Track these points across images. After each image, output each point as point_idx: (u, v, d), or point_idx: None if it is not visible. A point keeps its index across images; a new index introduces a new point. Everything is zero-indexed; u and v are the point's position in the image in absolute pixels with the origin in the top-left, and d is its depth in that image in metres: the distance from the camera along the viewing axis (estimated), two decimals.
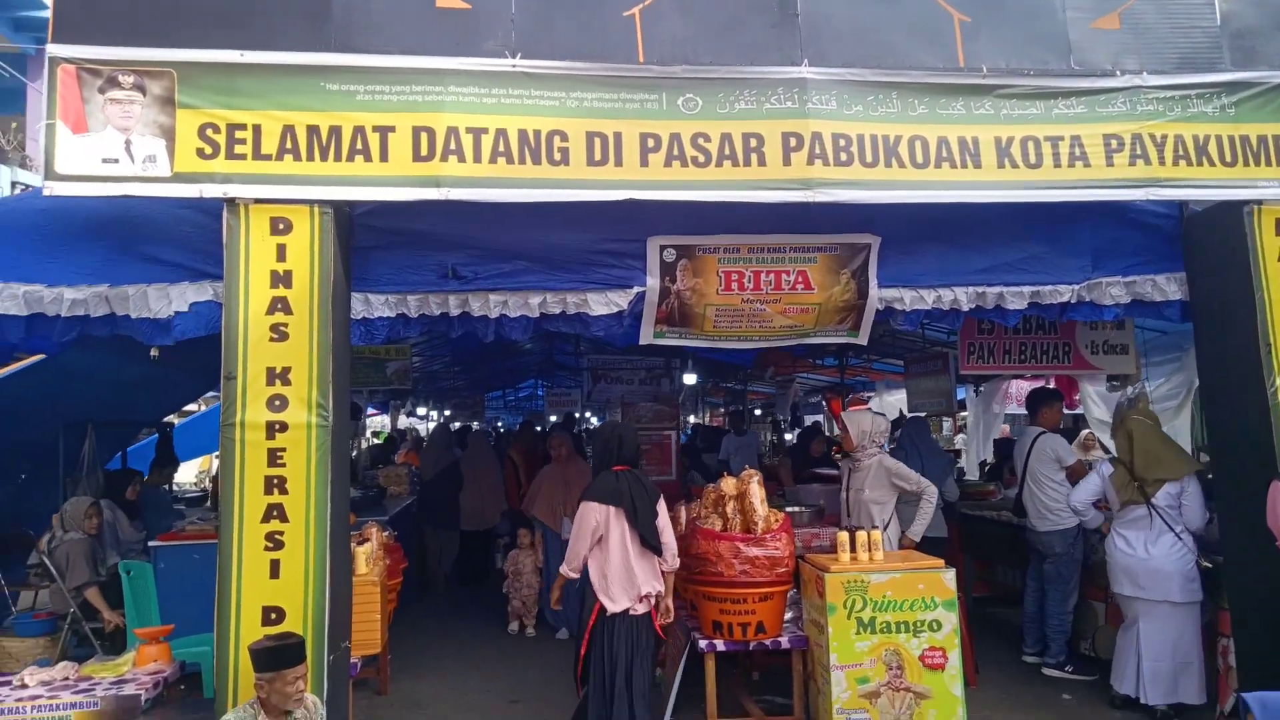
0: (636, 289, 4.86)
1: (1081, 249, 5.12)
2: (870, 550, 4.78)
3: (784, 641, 4.95)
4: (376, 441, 18.03)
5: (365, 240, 4.71)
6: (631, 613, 4.51)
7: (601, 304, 4.84)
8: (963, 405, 14.14)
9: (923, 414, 11.52)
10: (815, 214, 4.88)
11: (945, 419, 14.76)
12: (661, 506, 4.67)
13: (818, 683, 4.76)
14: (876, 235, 5.01)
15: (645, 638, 4.55)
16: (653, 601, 4.57)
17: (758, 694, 5.54)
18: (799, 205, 4.61)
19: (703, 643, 4.93)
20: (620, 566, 4.52)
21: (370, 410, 17.10)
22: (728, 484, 4.99)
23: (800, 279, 4.96)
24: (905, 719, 4.55)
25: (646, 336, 5.06)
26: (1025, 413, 14.72)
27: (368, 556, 4.94)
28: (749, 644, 4.92)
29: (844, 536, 4.80)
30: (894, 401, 14.73)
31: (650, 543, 4.55)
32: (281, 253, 4.26)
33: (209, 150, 4.19)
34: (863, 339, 5.25)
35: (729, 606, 4.87)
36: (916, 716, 4.55)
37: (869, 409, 5.94)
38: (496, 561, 8.63)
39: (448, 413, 19.07)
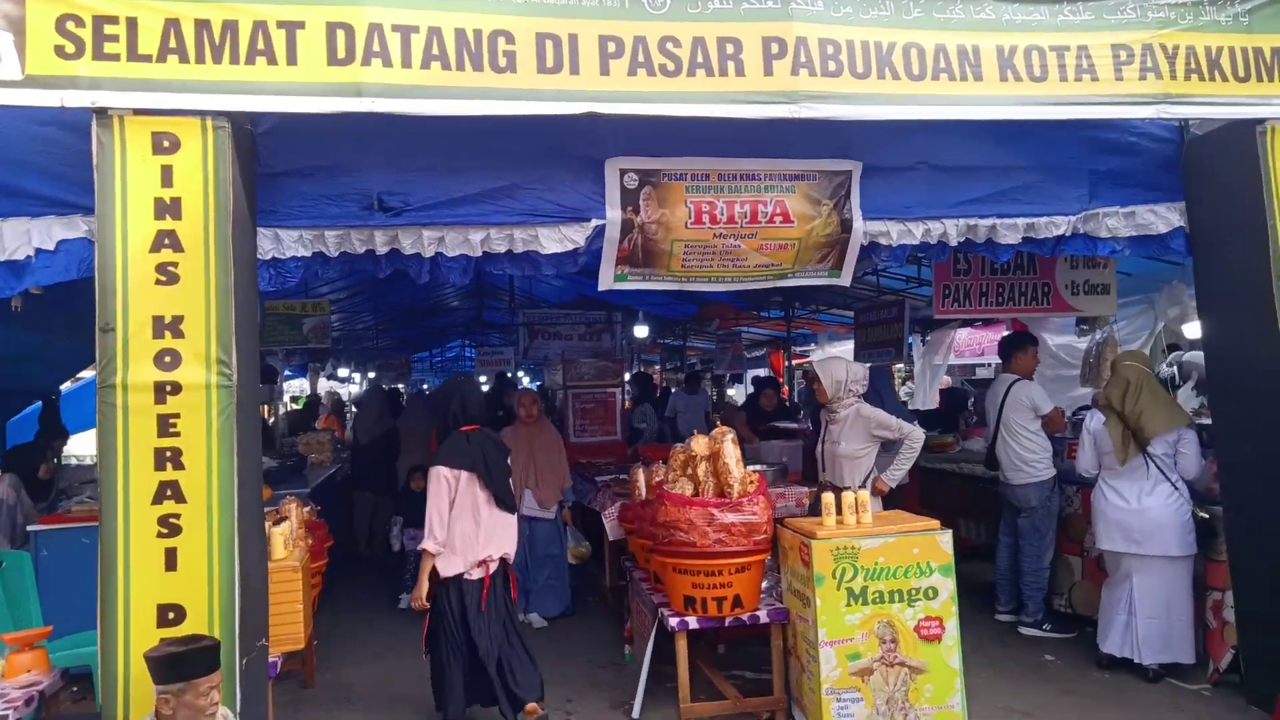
0: (595, 222, 4.23)
1: (1078, 177, 4.68)
2: (858, 512, 4.31)
3: (763, 615, 4.47)
4: (295, 407, 17.06)
5: (272, 164, 3.98)
6: (467, 577, 4.43)
7: (554, 240, 4.21)
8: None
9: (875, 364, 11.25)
10: (789, 136, 4.34)
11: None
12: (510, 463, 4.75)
13: (800, 659, 4.30)
14: (857, 161, 4.48)
15: (498, 604, 4.50)
16: (494, 565, 4.48)
17: (726, 669, 5.07)
18: (771, 126, 4.08)
19: (673, 620, 4.42)
20: (468, 531, 4.45)
21: (287, 373, 16.09)
22: (699, 443, 4.45)
23: (778, 210, 4.40)
24: (900, 696, 4.12)
25: (606, 280, 4.45)
26: (964, 363, 14.64)
27: (286, 538, 4.26)
28: (724, 620, 4.42)
29: (829, 498, 4.32)
30: (836, 352, 14.43)
31: (506, 502, 4.55)
32: (167, 176, 3.51)
33: (71, 48, 3.39)
34: (845, 279, 4.74)
35: (702, 580, 4.35)
36: (912, 692, 4.12)
37: (840, 356, 5.43)
38: (394, 543, 7.28)
39: (372, 375, 18.17)
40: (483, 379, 20.39)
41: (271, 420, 11.72)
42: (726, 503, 4.33)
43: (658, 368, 19.66)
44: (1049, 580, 5.99)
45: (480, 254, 4.20)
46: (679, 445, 4.65)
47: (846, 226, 4.49)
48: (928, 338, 11.32)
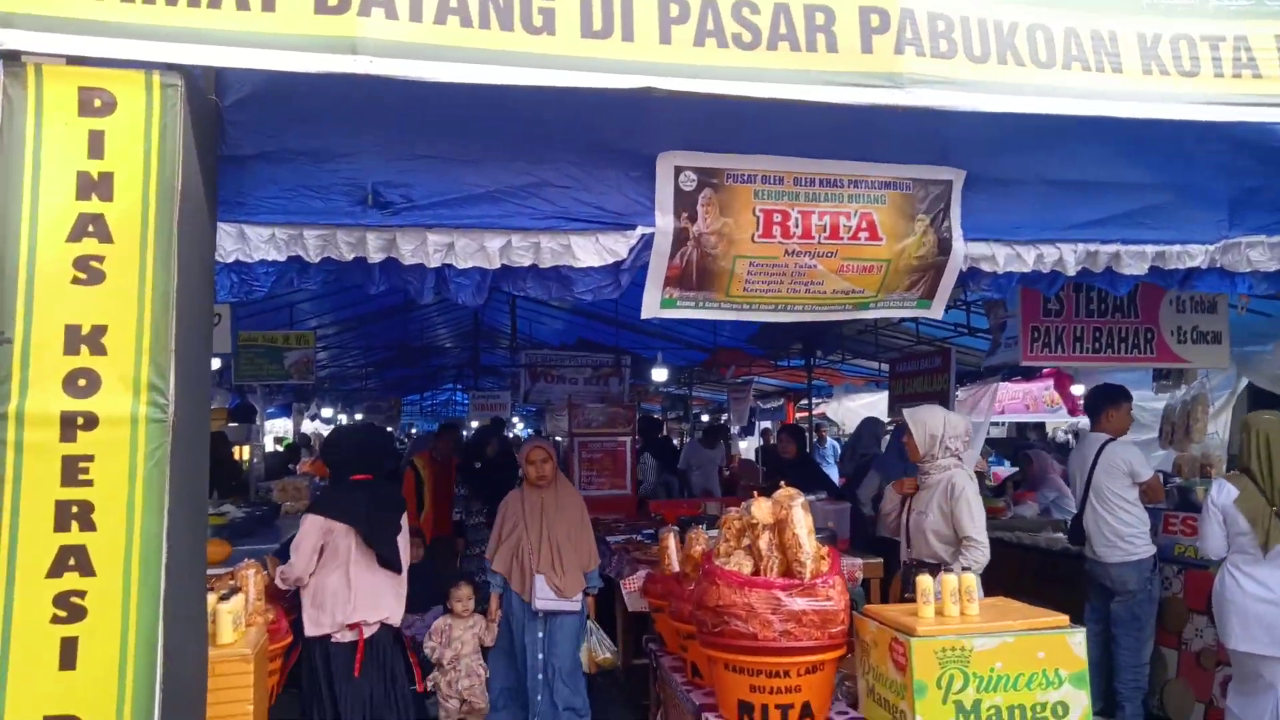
0: (641, 230, 3.41)
1: (1216, 199, 3.90)
2: (963, 601, 3.43)
3: None
4: (279, 449, 16.10)
5: (241, 144, 3.16)
6: (336, 639, 4.19)
7: (590, 251, 3.38)
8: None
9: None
10: (880, 135, 3.57)
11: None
12: (404, 521, 4.50)
13: None
14: (959, 169, 3.69)
15: (379, 673, 4.25)
16: (370, 630, 4.25)
17: None
18: (859, 123, 3.32)
19: None
20: (338, 588, 4.19)
21: (269, 412, 15.15)
22: (761, 508, 3.56)
23: (864, 224, 3.59)
24: None
25: (652, 305, 3.62)
26: (1005, 420, 13.81)
27: (237, 616, 3.34)
28: None
29: (927, 582, 3.44)
30: (854, 407, 13.61)
31: (390, 561, 4.28)
32: (96, 145, 2.68)
33: None
34: (937, 310, 3.93)
35: (764, 682, 3.44)
36: None
37: (935, 406, 4.60)
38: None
39: (359, 417, 17.24)
40: (474, 424, 19.49)
41: (250, 463, 10.78)
42: (797, 584, 3.44)
43: (658, 416, 18.80)
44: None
45: (498, 266, 3.36)
46: (733, 510, 3.76)
47: (945, 247, 3.69)
48: (959, 393, 10.51)
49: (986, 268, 3.78)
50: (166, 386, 2.62)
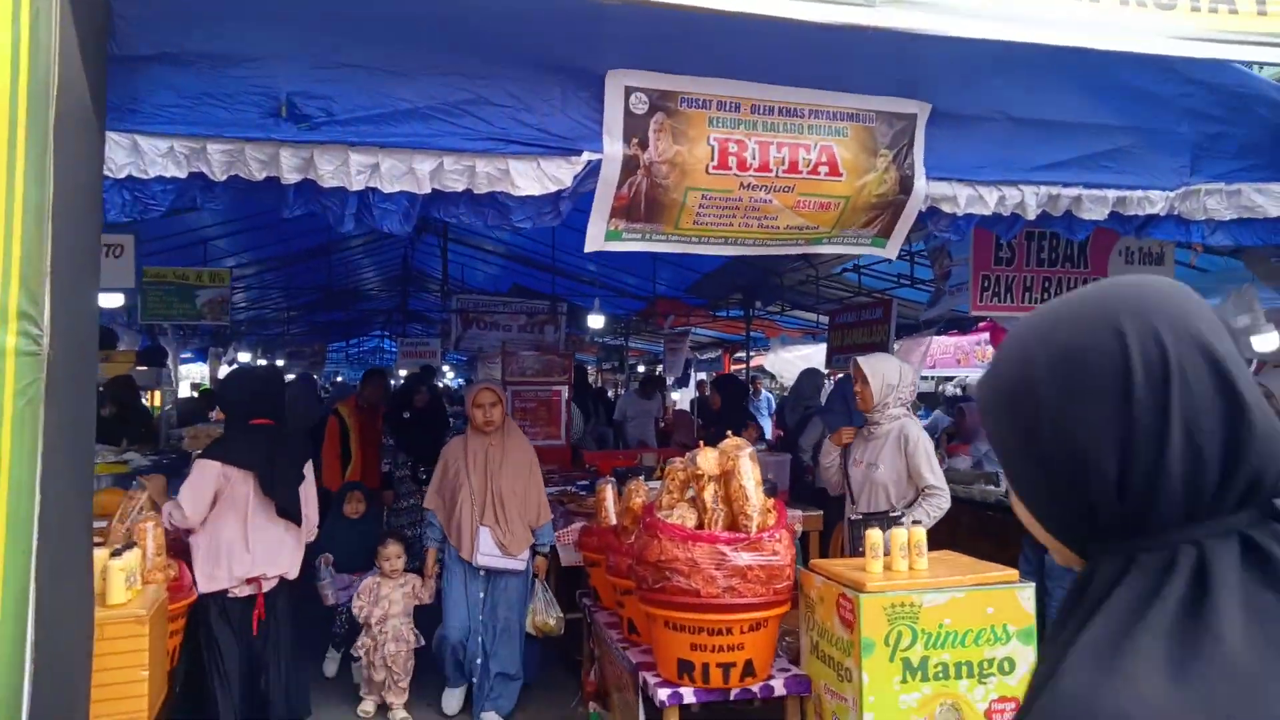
0: (588, 156, 3.13)
1: (1179, 145, 3.78)
2: (911, 555, 3.30)
3: (778, 687, 3.43)
4: (194, 395, 15.41)
5: (135, 43, 2.77)
6: (233, 594, 3.93)
7: (531, 179, 3.09)
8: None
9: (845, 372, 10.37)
10: (844, 62, 3.34)
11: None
12: (309, 469, 4.25)
13: None
14: (925, 102, 3.49)
15: (275, 628, 4.04)
16: (269, 584, 4.02)
17: None
18: (817, 45, 3.08)
19: (663, 692, 3.34)
20: (234, 540, 3.91)
21: (185, 356, 14.46)
22: (707, 459, 3.37)
23: (824, 159, 3.37)
24: None
25: (595, 238, 3.36)
26: (938, 374, 13.91)
27: (131, 573, 3.03)
28: (730, 692, 3.36)
29: (876, 536, 3.30)
30: (791, 359, 13.58)
31: (289, 511, 4.02)
32: None
33: None
34: (891, 250, 3.76)
35: (705, 640, 3.28)
36: None
37: (889, 355, 4.45)
38: (326, 593, 5.02)
39: (281, 363, 16.62)
40: (402, 373, 19.03)
41: (164, 408, 10.23)
42: (743, 539, 3.27)
43: (592, 367, 18.56)
44: None
45: (428, 191, 3.05)
46: (677, 461, 3.56)
47: (906, 186, 3.49)
48: (897, 345, 10.51)
49: (946, 209, 3.60)
50: (41, 315, 2.28)
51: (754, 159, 3.28)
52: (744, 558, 3.25)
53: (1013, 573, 3.31)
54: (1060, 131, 3.64)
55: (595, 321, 8.68)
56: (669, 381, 13.94)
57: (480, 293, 10.46)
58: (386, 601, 4.70)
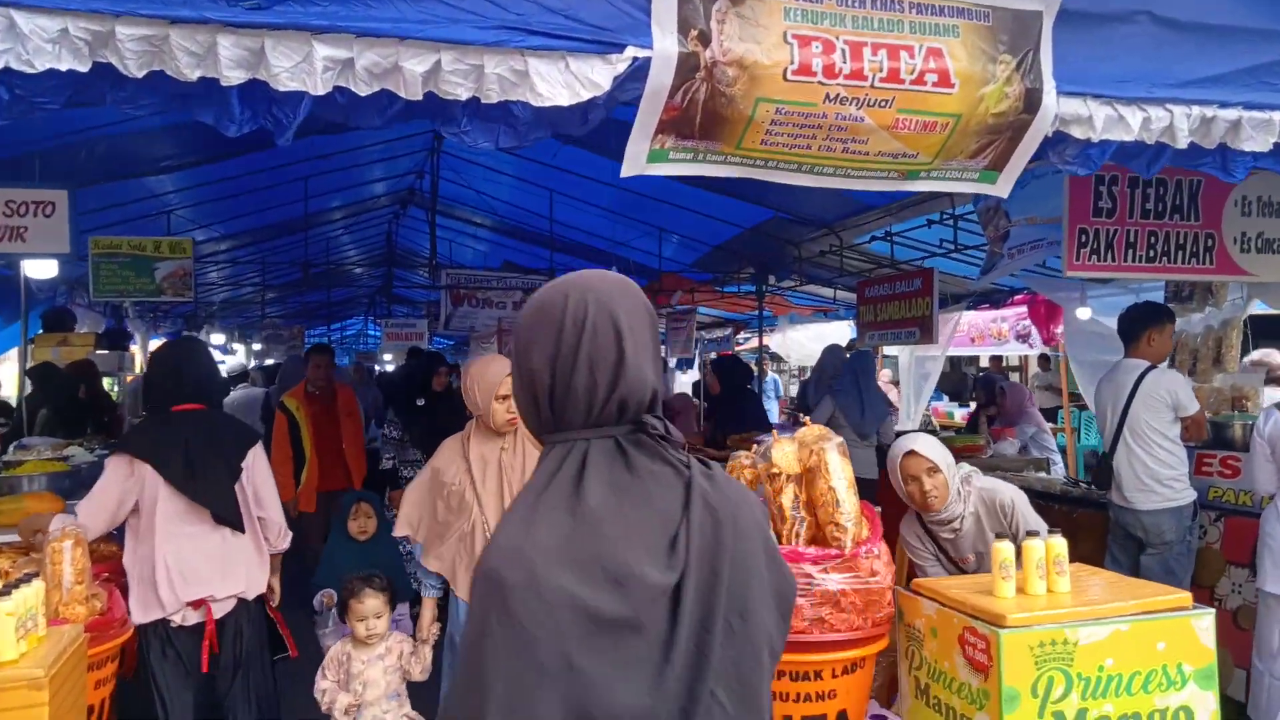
0: (632, 53, 2.35)
1: None
2: (1050, 574, 2.57)
3: None
4: None
5: None
6: (176, 623, 3.10)
7: (558, 82, 2.31)
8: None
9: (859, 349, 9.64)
10: None
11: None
12: (257, 461, 3.32)
13: None
14: None
15: (236, 663, 3.22)
16: (224, 608, 3.19)
17: None
18: None
19: None
20: (168, 553, 3.09)
21: (155, 339, 13.58)
22: (784, 452, 2.61)
23: (932, 65, 2.60)
24: None
25: (636, 159, 2.59)
26: (967, 353, 13.20)
27: (27, 616, 2.23)
28: None
29: (1005, 550, 2.56)
30: (800, 339, 12.85)
31: (225, 516, 3.19)
32: None
33: None
34: (1003, 187, 3.00)
35: (788, 686, 2.54)
36: None
37: (927, 434, 3.47)
38: (328, 643, 3.51)
39: (257, 347, 15.77)
40: (388, 358, 18.20)
41: (123, 398, 9.39)
42: (834, 556, 2.53)
43: None
44: None
45: (420, 97, 2.27)
46: (742, 455, 2.80)
47: (1032, 103, 2.73)
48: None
49: (1077, 133, 2.84)
50: None
51: (844, 63, 2.51)
52: (836, 580, 2.51)
53: (1185, 595, 2.58)
54: (1218, 37, 2.90)
55: None
56: (672, 364, 13.18)
57: (471, 269, 9.67)
58: (360, 683, 3.18)
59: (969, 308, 9.23)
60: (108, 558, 3.29)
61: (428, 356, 5.72)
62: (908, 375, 10.20)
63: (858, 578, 2.53)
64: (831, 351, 7.77)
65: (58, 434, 6.18)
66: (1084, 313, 6.55)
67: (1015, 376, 14.34)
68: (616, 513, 1.14)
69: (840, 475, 2.59)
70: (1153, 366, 4.39)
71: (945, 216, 6.63)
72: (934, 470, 3.01)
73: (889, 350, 12.79)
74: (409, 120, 2.37)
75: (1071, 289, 6.96)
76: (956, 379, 15.26)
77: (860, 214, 7.48)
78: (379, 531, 4.36)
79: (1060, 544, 2.60)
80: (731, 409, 6.39)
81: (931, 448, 3.05)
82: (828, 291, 10.56)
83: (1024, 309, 8.68)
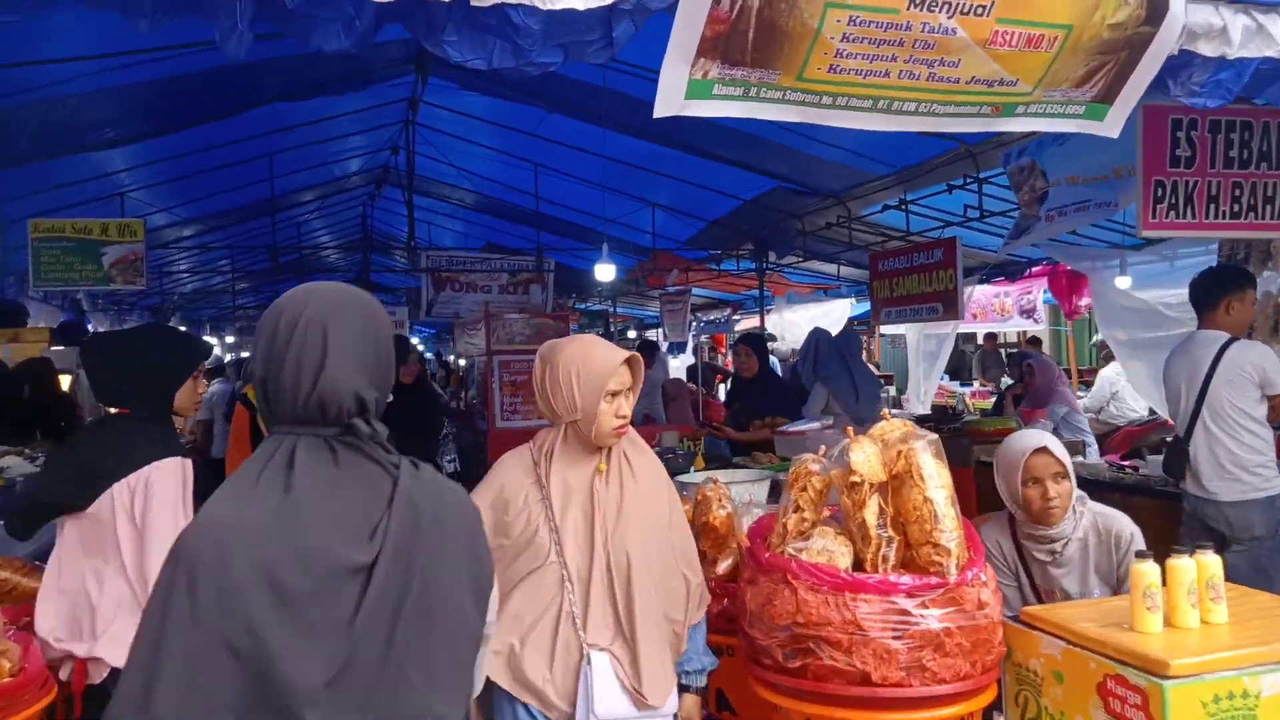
0: None
1: None
2: (1204, 601, 2.04)
3: None
4: None
5: None
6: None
7: None
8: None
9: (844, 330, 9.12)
10: None
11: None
12: (154, 479, 2.41)
13: None
14: None
15: None
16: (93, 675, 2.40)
17: None
18: None
19: None
20: (79, 592, 2.44)
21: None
22: (866, 455, 2.05)
23: None
24: None
25: (674, 91, 2.03)
26: (972, 329, 12.70)
27: None
28: None
29: (1148, 572, 2.03)
30: (796, 320, 12.31)
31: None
32: None
33: None
34: (1112, 125, 2.46)
35: None
36: None
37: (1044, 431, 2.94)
38: None
39: (230, 339, 15.11)
40: None
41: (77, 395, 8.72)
42: (934, 585, 1.99)
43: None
44: None
45: None
46: (808, 460, 2.24)
47: (1156, 10, 2.18)
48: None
49: (1207, 50, 2.30)
50: None
51: None
52: (938, 617, 1.97)
53: None
54: None
55: (604, 272, 7.28)
56: (664, 348, 12.63)
57: (453, 250, 9.06)
58: None
59: (982, 281, 8.72)
60: (25, 597, 2.70)
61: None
62: (915, 354, 9.69)
63: (963, 612, 1.99)
64: (817, 335, 7.27)
65: (6, 440, 5.57)
66: (1124, 281, 6.04)
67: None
68: (322, 499, 1.22)
69: (937, 483, 2.04)
70: (1234, 339, 3.87)
71: (969, 181, 6.11)
72: (1062, 476, 2.47)
73: (889, 329, 12.31)
74: (379, 30, 1.78)
75: (1106, 258, 6.47)
76: (955, 356, 14.81)
77: (871, 182, 6.95)
78: None
79: (1214, 564, 2.07)
80: (763, 391, 5.77)
81: (1061, 449, 2.52)
82: (831, 268, 10.03)
83: (1043, 281, 8.18)
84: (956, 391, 11.32)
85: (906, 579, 1.99)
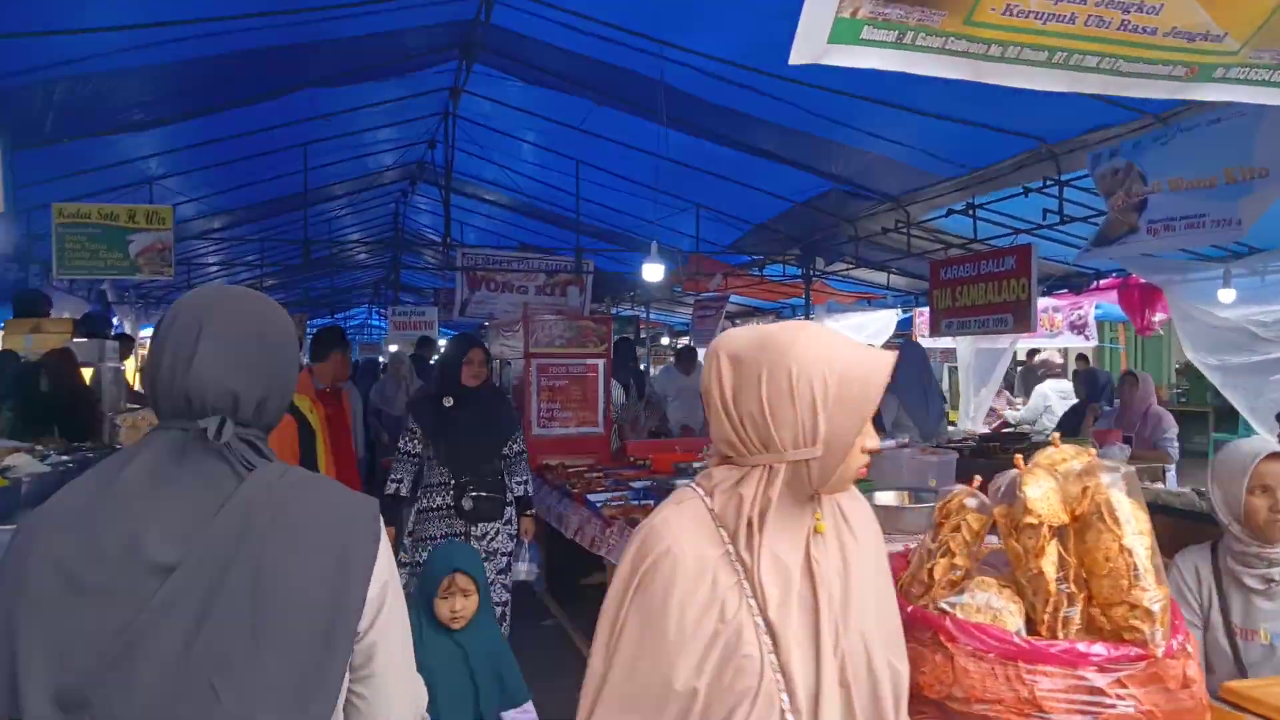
0: None
1: None
2: None
3: None
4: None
5: None
6: None
7: None
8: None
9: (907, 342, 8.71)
10: None
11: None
12: None
13: None
14: None
15: None
16: None
17: None
18: None
19: None
20: None
21: (145, 330, 12.61)
22: (1040, 492, 1.66)
23: None
24: None
25: (814, 32, 1.64)
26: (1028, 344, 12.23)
27: None
28: None
29: None
30: (839, 330, 11.85)
31: None
32: None
33: None
34: None
35: None
36: None
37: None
38: None
39: None
40: (393, 348, 17.34)
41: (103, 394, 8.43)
42: (1134, 658, 1.59)
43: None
44: None
45: None
46: (960, 491, 1.84)
47: None
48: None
49: None
50: None
51: None
52: (1139, 698, 1.57)
53: None
54: None
55: (652, 273, 6.89)
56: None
57: (491, 248, 8.73)
58: None
59: (1045, 293, 8.27)
60: None
61: (456, 344, 4.30)
62: (967, 370, 9.24)
63: (1167, 691, 1.60)
64: (902, 345, 6.86)
65: (24, 436, 5.29)
66: (1228, 295, 5.59)
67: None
68: (142, 495, 1.19)
69: (1135, 528, 1.65)
70: None
71: (1048, 183, 5.69)
72: None
73: (937, 343, 11.85)
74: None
75: (1195, 269, 6.02)
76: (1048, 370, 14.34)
77: (935, 185, 6.55)
78: (480, 612, 2.82)
79: None
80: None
81: None
82: (879, 277, 9.62)
83: (1083, 297, 7.74)
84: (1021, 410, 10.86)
85: (1099, 649, 1.59)
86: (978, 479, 1.83)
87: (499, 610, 4.01)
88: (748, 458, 1.36)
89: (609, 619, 1.35)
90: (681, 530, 1.34)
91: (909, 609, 1.76)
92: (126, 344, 9.99)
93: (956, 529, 1.79)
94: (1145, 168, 4.78)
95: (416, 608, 2.70)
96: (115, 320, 11.74)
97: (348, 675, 1.23)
